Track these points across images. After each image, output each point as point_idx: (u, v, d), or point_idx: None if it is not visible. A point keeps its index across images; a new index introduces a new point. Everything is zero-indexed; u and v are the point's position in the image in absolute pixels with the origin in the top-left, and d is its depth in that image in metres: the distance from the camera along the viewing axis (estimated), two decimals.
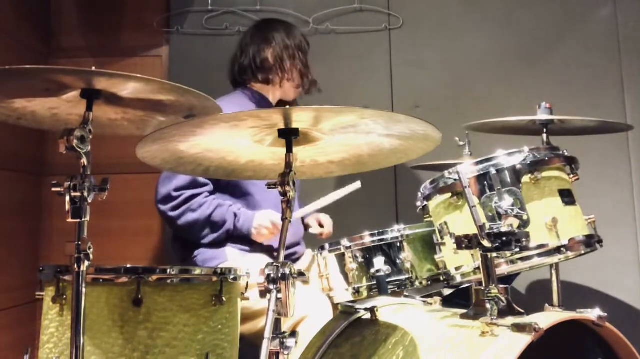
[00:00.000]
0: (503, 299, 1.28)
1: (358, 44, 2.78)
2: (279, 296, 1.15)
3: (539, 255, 1.40)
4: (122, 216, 2.63)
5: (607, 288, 2.59)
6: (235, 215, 2.07)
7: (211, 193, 2.10)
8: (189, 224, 2.04)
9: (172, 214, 2.04)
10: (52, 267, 1.34)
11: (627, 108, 2.68)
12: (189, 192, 2.04)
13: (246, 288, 1.50)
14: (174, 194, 2.04)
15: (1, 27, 2.36)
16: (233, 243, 2.09)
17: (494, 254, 1.31)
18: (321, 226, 2.30)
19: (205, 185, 2.07)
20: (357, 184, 2.02)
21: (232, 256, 2.06)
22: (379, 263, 1.56)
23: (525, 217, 1.38)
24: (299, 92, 2.29)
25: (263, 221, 2.06)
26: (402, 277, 1.56)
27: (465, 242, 1.31)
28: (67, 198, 1.18)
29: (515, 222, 1.36)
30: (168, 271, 1.36)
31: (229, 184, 2.12)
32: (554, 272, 1.90)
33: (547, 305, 1.66)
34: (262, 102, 2.23)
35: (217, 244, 2.09)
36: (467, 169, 1.43)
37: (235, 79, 2.28)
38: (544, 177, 1.44)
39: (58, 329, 1.32)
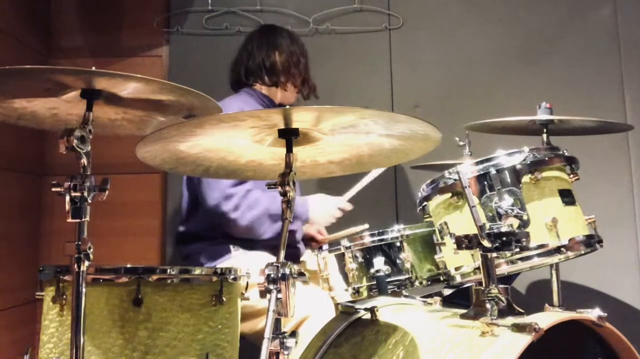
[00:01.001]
0: (503, 299, 1.28)
1: (358, 44, 2.78)
2: (279, 296, 1.15)
3: (539, 255, 1.40)
4: (122, 216, 2.63)
5: (607, 288, 2.59)
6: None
7: None
8: (251, 223, 2.03)
9: (233, 215, 2.02)
10: (52, 267, 1.34)
11: (627, 108, 2.68)
12: (243, 188, 2.04)
13: (246, 288, 1.50)
14: (232, 190, 2.02)
15: (1, 27, 2.36)
16: (236, 242, 2.10)
17: (494, 254, 1.31)
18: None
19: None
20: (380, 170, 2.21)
21: (236, 254, 2.07)
22: (379, 263, 1.56)
23: (525, 217, 1.38)
24: (298, 96, 2.35)
25: (324, 208, 2.17)
26: (402, 277, 1.56)
27: (465, 242, 1.31)
28: (67, 198, 1.18)
29: (515, 222, 1.36)
30: (168, 271, 1.35)
31: None
32: (554, 272, 1.90)
33: (547, 305, 1.66)
34: (270, 104, 2.27)
35: (221, 242, 2.10)
36: (467, 169, 1.43)
37: (239, 80, 2.29)
38: (544, 177, 1.44)
39: (58, 329, 1.32)
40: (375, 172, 2.23)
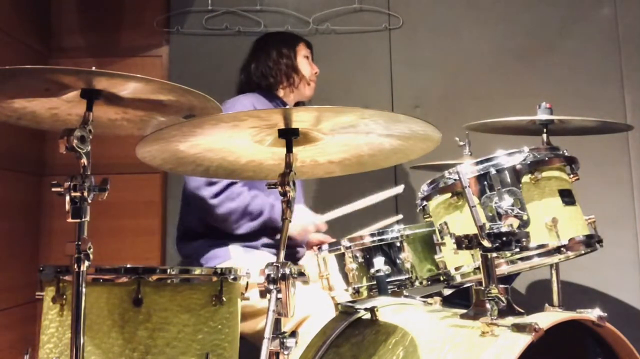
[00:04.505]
0: (503, 299, 1.28)
1: (358, 44, 2.78)
2: (279, 296, 1.15)
3: (539, 255, 1.40)
4: (122, 216, 2.63)
5: (607, 288, 2.59)
6: (273, 206, 2.11)
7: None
8: (228, 213, 2.06)
9: (212, 201, 2.05)
10: (52, 267, 1.34)
11: (627, 108, 2.68)
12: (227, 181, 2.06)
13: (246, 288, 1.50)
14: (216, 179, 2.04)
15: (1, 27, 2.36)
16: (236, 241, 2.10)
17: (494, 254, 1.31)
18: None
19: None
20: (399, 188, 2.18)
21: (235, 254, 2.08)
22: (379, 263, 1.56)
23: (525, 217, 1.38)
24: (305, 91, 2.34)
25: (302, 220, 2.15)
26: (402, 277, 1.56)
27: (465, 242, 1.31)
28: (67, 198, 1.18)
29: (515, 222, 1.36)
30: (168, 271, 1.35)
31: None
32: (554, 272, 1.90)
33: (547, 305, 1.66)
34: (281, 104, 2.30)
35: (221, 242, 2.10)
36: (467, 169, 1.43)
37: (242, 87, 2.34)
38: (544, 177, 1.44)
39: (58, 329, 1.32)
40: (365, 201, 2.20)
